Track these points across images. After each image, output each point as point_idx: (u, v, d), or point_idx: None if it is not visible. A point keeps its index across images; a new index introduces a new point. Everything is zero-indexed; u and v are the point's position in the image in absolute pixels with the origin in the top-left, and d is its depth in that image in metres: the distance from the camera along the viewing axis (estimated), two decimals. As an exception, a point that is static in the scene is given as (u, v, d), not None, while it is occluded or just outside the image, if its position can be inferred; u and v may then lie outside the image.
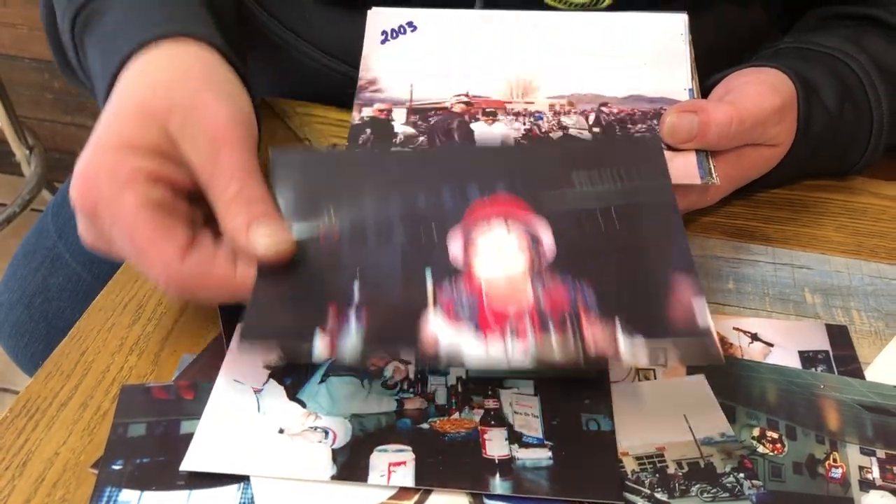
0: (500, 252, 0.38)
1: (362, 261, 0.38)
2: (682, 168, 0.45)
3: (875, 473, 0.39)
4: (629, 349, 0.35)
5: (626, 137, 0.42)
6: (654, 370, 0.43)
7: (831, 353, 0.44)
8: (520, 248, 0.38)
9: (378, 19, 0.52)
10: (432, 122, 0.47)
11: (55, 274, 0.77)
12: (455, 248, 0.38)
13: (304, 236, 0.39)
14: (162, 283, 0.38)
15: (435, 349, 0.36)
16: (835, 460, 0.39)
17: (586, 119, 0.47)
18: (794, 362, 0.44)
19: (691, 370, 0.43)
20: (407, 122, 0.47)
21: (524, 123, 0.47)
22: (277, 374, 0.43)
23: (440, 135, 0.47)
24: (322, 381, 0.43)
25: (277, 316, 0.37)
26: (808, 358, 0.44)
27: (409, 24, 0.51)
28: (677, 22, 0.51)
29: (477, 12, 0.52)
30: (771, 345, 0.44)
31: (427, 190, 0.40)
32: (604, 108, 0.48)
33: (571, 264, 0.37)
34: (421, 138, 0.47)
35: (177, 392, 0.42)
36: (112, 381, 0.43)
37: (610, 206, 0.39)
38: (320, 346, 0.36)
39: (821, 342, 0.45)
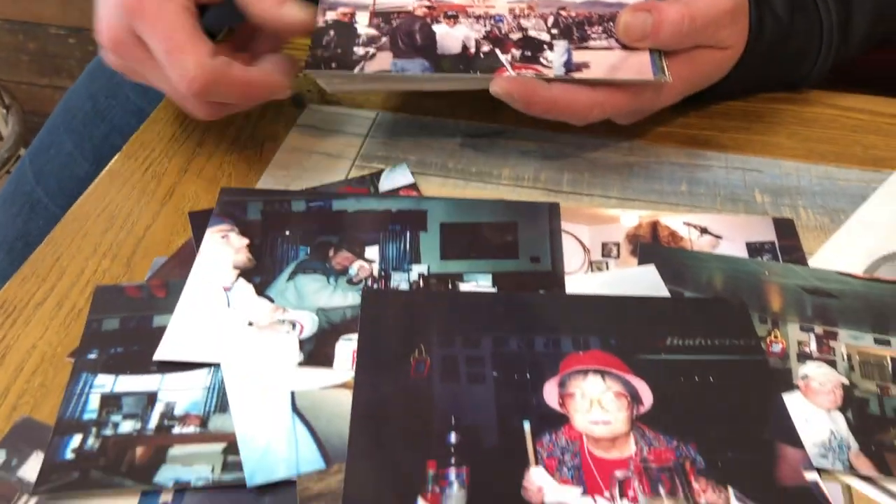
0: (599, 407, 0.38)
1: (456, 401, 0.38)
2: (636, 66, 0.46)
3: (812, 347, 0.41)
4: None
5: (714, 300, 0.43)
6: (605, 262, 0.45)
7: (777, 244, 0.46)
8: (619, 404, 0.38)
9: None
10: (395, 24, 0.49)
11: (35, 218, 0.78)
12: (551, 397, 0.38)
13: (395, 369, 0.39)
14: (188, 81, 0.44)
15: None
16: (776, 337, 0.41)
17: (545, 22, 0.49)
18: (742, 253, 0.46)
19: (642, 259, 0.45)
20: (370, 25, 0.49)
21: (485, 26, 0.48)
22: (247, 273, 0.44)
23: (402, 35, 0.48)
24: (290, 278, 0.44)
25: (377, 482, 0.35)
26: (754, 248, 0.46)
27: None
28: None
29: None
30: (719, 237, 0.46)
31: (518, 336, 0.40)
32: (562, 12, 0.49)
33: (673, 424, 0.37)
34: (383, 39, 0.48)
35: (149, 290, 0.44)
36: (87, 283, 0.44)
37: (703, 363, 0.39)
38: None
39: (767, 234, 0.47)
